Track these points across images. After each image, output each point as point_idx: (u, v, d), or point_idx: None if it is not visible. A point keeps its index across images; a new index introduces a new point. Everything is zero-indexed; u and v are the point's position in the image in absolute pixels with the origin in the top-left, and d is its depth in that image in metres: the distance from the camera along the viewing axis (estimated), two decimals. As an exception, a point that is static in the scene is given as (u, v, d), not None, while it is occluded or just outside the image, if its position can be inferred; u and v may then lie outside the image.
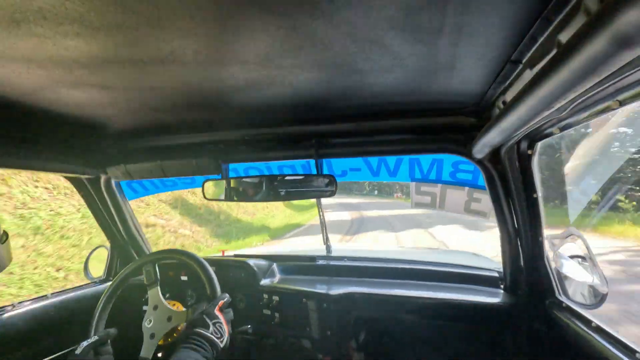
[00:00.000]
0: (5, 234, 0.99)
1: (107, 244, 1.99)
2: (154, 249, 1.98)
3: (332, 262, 1.99)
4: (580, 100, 0.78)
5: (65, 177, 1.70)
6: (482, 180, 1.40)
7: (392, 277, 1.80)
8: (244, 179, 1.61)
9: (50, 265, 5.48)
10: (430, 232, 12.38)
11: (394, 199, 36.91)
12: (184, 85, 1.00)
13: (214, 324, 1.25)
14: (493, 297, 1.52)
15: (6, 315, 1.43)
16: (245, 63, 0.86)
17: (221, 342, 1.23)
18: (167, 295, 1.47)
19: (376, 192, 46.82)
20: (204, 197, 1.59)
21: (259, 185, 1.50)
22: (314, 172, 1.48)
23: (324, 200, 2.35)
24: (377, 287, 1.68)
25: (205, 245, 10.01)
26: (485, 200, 1.71)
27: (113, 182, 1.81)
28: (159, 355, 1.45)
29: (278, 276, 1.90)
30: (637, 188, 12.72)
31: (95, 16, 0.64)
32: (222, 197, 1.55)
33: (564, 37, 0.63)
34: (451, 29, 0.70)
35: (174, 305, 1.51)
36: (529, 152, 1.21)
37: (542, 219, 1.31)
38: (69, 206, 6.46)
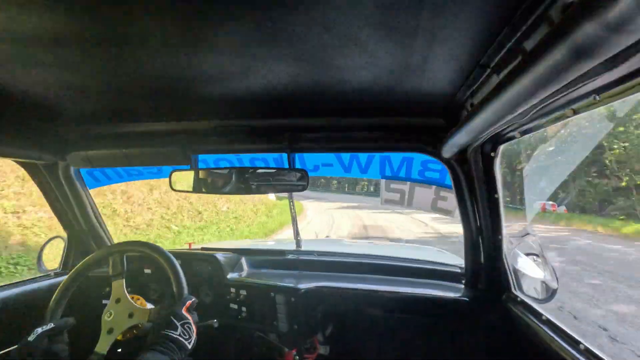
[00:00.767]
0: None
1: (64, 235, 1.89)
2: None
3: (302, 257, 1.99)
4: (540, 107, 0.83)
5: (18, 162, 1.59)
6: (449, 179, 1.45)
7: (359, 271, 1.84)
8: (213, 170, 1.57)
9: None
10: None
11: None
12: (153, 70, 0.95)
13: (182, 324, 1.22)
14: (454, 292, 1.58)
15: None
16: (218, 51, 0.84)
17: (189, 343, 1.21)
18: (129, 289, 1.41)
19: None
20: (171, 188, 1.54)
21: (230, 177, 1.47)
22: (286, 166, 1.47)
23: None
24: (345, 282, 1.70)
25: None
26: (451, 199, 1.78)
27: (72, 169, 1.71)
28: (118, 351, 1.40)
29: (246, 270, 1.88)
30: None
31: None
32: (190, 188, 1.51)
33: (528, 45, 0.66)
34: (425, 32, 0.72)
35: (137, 300, 1.46)
36: (492, 154, 1.27)
37: (502, 219, 1.38)
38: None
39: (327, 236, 9.93)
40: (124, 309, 1.36)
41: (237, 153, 1.82)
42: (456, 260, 1.99)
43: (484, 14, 0.66)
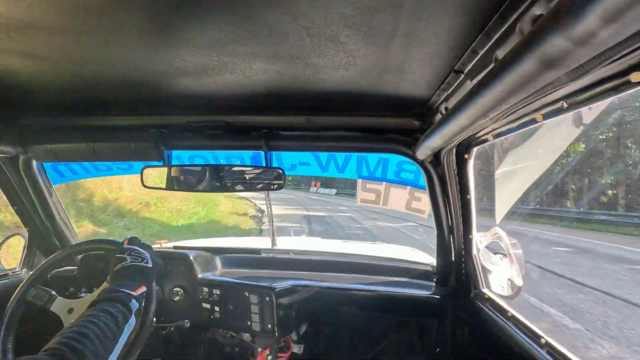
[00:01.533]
0: None
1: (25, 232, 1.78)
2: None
3: (277, 255, 1.98)
4: (512, 112, 0.86)
5: None
6: (422, 180, 1.49)
7: (334, 270, 1.85)
8: (187, 167, 1.53)
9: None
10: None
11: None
12: (125, 63, 0.92)
13: (129, 253, 1.26)
14: (425, 290, 1.62)
15: None
16: (195, 46, 0.81)
17: (146, 263, 1.27)
18: (95, 289, 1.36)
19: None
20: (143, 185, 1.48)
21: (204, 174, 1.43)
22: (263, 164, 1.46)
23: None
24: (319, 280, 1.71)
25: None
26: (424, 200, 1.82)
27: (35, 163, 1.62)
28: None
29: (220, 269, 1.84)
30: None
31: None
32: (163, 185, 1.46)
33: (500, 53, 0.69)
34: (402, 35, 0.73)
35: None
36: (466, 156, 1.32)
37: (474, 219, 1.43)
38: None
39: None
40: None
41: (213, 150, 1.78)
42: (428, 259, 2.05)
43: (460, 21, 0.67)
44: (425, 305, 1.59)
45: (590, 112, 0.95)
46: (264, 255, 1.98)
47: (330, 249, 2.20)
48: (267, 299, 1.60)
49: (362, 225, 14.59)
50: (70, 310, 1.31)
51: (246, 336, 1.74)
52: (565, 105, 0.73)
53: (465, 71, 0.87)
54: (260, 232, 12.18)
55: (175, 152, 1.66)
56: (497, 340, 1.23)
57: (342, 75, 0.97)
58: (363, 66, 0.91)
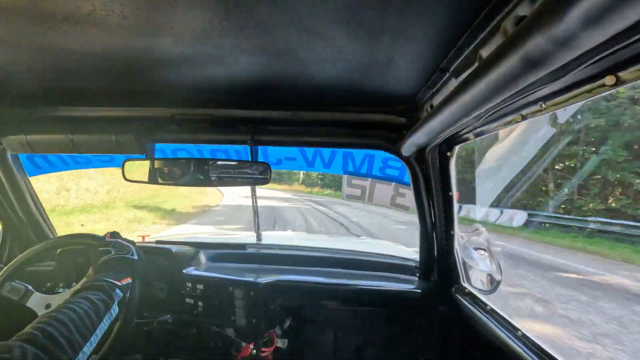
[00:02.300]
0: None
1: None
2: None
3: (262, 250, 1.98)
4: (493, 111, 0.89)
5: None
6: (407, 177, 1.51)
7: (319, 265, 1.86)
8: (171, 161, 1.51)
9: None
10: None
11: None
12: (106, 52, 0.89)
13: (112, 246, 1.26)
14: (408, 284, 1.66)
15: None
16: (180, 36, 0.80)
17: (132, 255, 1.26)
18: (74, 284, 1.32)
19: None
20: (124, 178, 1.45)
21: (188, 168, 1.41)
22: (249, 158, 1.45)
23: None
24: (304, 275, 1.72)
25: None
26: (408, 196, 1.85)
27: (9, 154, 1.55)
28: None
29: (204, 264, 1.83)
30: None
31: None
32: (145, 178, 1.43)
33: (485, 52, 0.70)
34: (389, 31, 0.73)
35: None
36: (448, 153, 1.34)
37: (455, 215, 1.46)
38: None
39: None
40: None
41: (197, 143, 1.76)
42: (412, 254, 2.08)
43: (446, 20, 0.68)
44: (409, 300, 1.62)
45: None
46: (249, 250, 1.98)
47: (315, 244, 2.20)
48: (252, 293, 1.60)
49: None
50: (48, 306, 1.27)
51: (230, 331, 1.73)
52: (543, 106, 0.75)
53: (451, 69, 0.88)
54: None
55: (158, 145, 1.63)
56: (477, 332, 1.27)
57: (329, 70, 0.97)
58: (350, 62, 0.91)
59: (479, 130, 1.10)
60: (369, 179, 1.91)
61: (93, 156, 1.89)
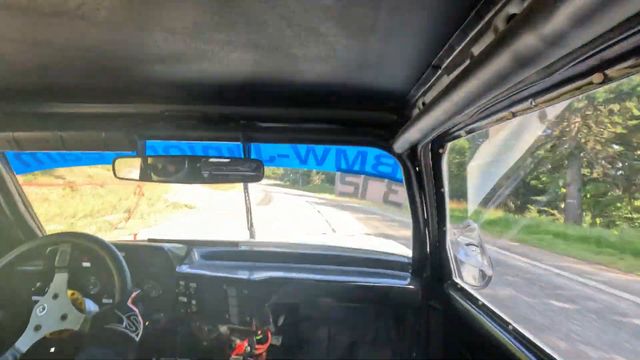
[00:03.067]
0: None
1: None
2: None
3: (255, 248, 1.97)
4: (485, 108, 0.89)
5: None
6: (400, 173, 1.51)
7: (312, 262, 1.86)
8: (162, 157, 1.49)
9: None
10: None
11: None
12: (95, 47, 0.87)
13: (127, 317, 1.18)
14: (401, 280, 1.67)
15: None
16: (170, 32, 0.79)
17: (137, 335, 1.18)
18: (51, 284, 1.31)
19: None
20: (115, 175, 1.43)
21: (180, 165, 1.39)
22: (241, 156, 1.44)
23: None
24: (298, 272, 1.72)
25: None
26: (401, 193, 1.86)
27: None
28: (51, 350, 1.29)
29: (197, 262, 1.82)
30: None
31: None
32: (137, 176, 1.41)
33: (476, 49, 0.71)
34: (381, 29, 0.73)
35: (73, 295, 1.35)
36: (440, 150, 1.35)
37: (447, 211, 1.48)
38: None
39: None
40: (58, 308, 1.26)
41: (189, 141, 1.74)
42: (405, 250, 2.10)
43: (438, 17, 0.69)
44: (402, 296, 1.63)
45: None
46: (242, 247, 1.97)
47: (309, 241, 2.21)
48: (245, 291, 1.59)
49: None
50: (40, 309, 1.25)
51: (224, 329, 1.73)
52: (533, 103, 0.76)
53: (443, 66, 0.89)
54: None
55: (149, 142, 1.61)
56: (468, 327, 1.29)
57: (321, 67, 0.97)
58: (343, 58, 0.91)
59: (470, 127, 1.11)
60: (362, 176, 1.92)
61: (82, 153, 1.86)
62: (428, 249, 1.58)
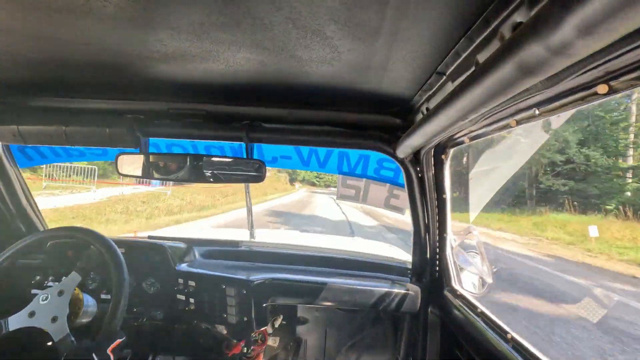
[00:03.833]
0: None
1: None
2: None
3: (255, 248, 1.97)
4: (489, 116, 0.89)
5: None
6: (402, 178, 1.51)
7: (312, 264, 1.86)
8: (165, 155, 1.49)
9: None
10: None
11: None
12: (101, 43, 0.88)
13: None
14: (401, 286, 1.66)
15: None
16: (176, 30, 0.79)
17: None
18: (63, 278, 1.31)
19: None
20: (117, 172, 1.43)
21: (183, 163, 1.40)
22: (244, 155, 1.44)
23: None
24: (297, 274, 1.72)
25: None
26: (402, 197, 1.86)
27: (0, 145, 1.53)
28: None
29: (197, 261, 1.82)
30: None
31: None
32: (139, 173, 1.42)
33: (481, 57, 0.71)
34: (387, 33, 0.73)
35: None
36: (443, 156, 1.35)
37: (449, 217, 1.47)
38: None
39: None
40: (56, 307, 1.25)
41: (192, 139, 1.75)
42: (405, 255, 2.09)
43: (443, 23, 0.69)
44: (401, 301, 1.63)
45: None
46: (242, 247, 1.97)
47: (308, 244, 2.21)
48: (244, 291, 1.59)
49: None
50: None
51: (221, 328, 1.73)
52: (537, 112, 0.76)
53: (447, 73, 0.88)
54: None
55: (152, 140, 1.62)
56: (467, 334, 1.28)
57: (326, 69, 0.97)
58: (347, 62, 0.91)
59: (473, 134, 1.11)
60: (364, 180, 1.92)
61: (86, 149, 1.87)
62: (428, 255, 1.57)
